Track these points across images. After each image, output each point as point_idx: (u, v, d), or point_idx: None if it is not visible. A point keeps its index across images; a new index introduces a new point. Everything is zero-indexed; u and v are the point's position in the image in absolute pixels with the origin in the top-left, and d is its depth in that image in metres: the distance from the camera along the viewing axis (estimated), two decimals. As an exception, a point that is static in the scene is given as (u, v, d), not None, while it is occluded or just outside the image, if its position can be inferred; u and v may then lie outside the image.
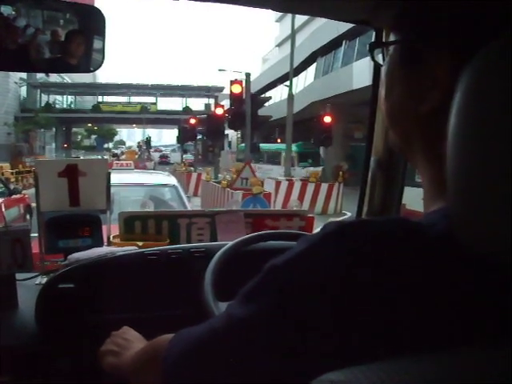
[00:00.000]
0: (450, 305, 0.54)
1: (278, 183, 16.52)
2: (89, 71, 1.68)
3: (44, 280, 1.99)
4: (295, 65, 31.51)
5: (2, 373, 1.59)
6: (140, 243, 2.04)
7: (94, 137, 78.72)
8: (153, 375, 0.83)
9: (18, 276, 1.85)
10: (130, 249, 1.86)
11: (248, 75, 16.24)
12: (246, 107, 15.37)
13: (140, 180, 7.08)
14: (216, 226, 2.19)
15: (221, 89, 59.90)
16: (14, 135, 46.34)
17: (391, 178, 1.88)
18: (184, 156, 46.32)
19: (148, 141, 60.67)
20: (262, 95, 43.82)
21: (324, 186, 16.11)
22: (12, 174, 23.26)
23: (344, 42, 27.41)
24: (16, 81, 49.39)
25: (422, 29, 0.62)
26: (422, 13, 0.63)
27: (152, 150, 73.59)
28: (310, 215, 2.41)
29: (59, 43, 1.62)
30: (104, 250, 1.87)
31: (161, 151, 78.14)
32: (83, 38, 1.61)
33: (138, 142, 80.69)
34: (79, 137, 79.47)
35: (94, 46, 1.64)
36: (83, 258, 1.77)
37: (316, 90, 29.16)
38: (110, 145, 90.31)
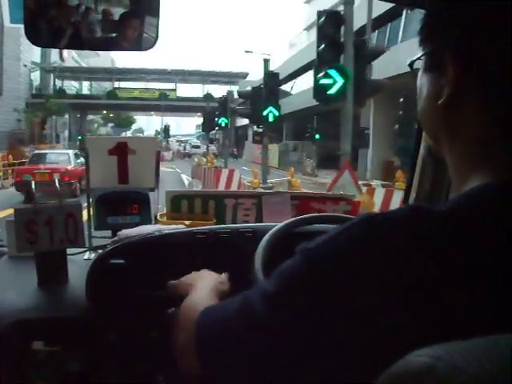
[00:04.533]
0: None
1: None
2: (141, 50, 1.69)
3: (92, 255, 2.03)
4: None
5: (52, 343, 1.64)
6: (187, 222, 2.05)
7: (111, 125, 75.69)
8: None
9: (67, 251, 1.90)
10: (178, 227, 1.88)
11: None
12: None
13: None
14: (262, 207, 2.19)
15: (245, 75, 56.78)
16: (25, 122, 43.64)
17: (442, 165, 1.85)
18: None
19: (166, 129, 57.78)
20: (290, 81, 40.60)
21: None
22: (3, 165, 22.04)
23: (390, 23, 26.07)
24: (26, 64, 46.29)
25: (442, 41, 0.73)
26: (444, 24, 0.73)
27: (174, 139, 70.13)
28: (357, 199, 2.39)
29: (112, 22, 1.63)
30: (152, 227, 1.89)
31: (181, 141, 74.40)
32: (138, 20, 1.63)
33: (156, 131, 75.32)
34: (96, 125, 76.26)
35: (147, 25, 1.65)
36: (132, 234, 1.79)
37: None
38: (129, 133, 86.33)
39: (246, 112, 19.26)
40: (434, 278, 0.60)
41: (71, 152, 18.15)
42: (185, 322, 0.95)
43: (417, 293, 0.60)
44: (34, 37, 1.63)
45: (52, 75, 56.32)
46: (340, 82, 8.96)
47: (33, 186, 2.07)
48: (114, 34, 1.65)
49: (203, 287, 1.16)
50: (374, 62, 10.73)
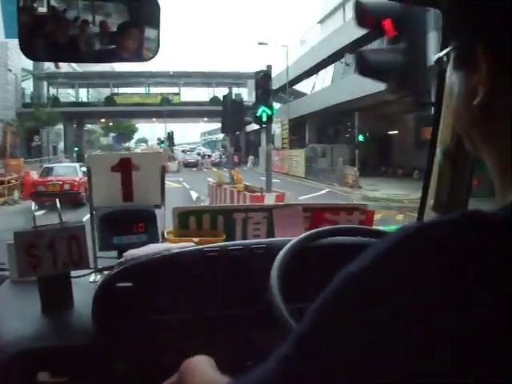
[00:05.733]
0: None
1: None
2: (142, 60, 1.64)
3: (98, 277, 1.96)
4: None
5: (59, 373, 1.56)
6: (196, 239, 1.97)
7: (112, 135, 70.66)
8: None
9: (72, 273, 1.82)
10: (187, 245, 1.80)
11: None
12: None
13: None
14: (273, 221, 2.11)
15: (253, 75, 52.60)
16: (16, 133, 37.93)
17: (459, 169, 1.79)
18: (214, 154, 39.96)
19: (170, 137, 52.55)
20: (304, 80, 37.08)
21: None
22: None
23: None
24: (12, 69, 41.31)
25: (473, 36, 0.67)
26: (474, 21, 0.67)
27: (179, 149, 62.55)
28: (370, 209, 2.30)
29: (110, 34, 1.58)
30: (160, 246, 1.80)
31: (187, 150, 67.37)
32: (137, 30, 1.58)
33: (158, 139, 65.59)
34: (97, 134, 71.81)
35: (147, 35, 1.60)
36: (139, 254, 1.70)
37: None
38: (132, 143, 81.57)
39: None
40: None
41: (77, 165, 20.89)
42: None
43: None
44: (30, 51, 1.58)
45: (45, 83, 52.43)
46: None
47: (33, 208, 1.99)
48: (113, 46, 1.61)
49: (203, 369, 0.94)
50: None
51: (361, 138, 24.17)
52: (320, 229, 1.59)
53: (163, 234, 2.17)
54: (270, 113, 17.39)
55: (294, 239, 1.50)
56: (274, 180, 23.42)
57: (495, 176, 0.71)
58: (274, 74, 17.70)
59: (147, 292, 1.57)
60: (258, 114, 17.30)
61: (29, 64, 45.44)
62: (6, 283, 1.96)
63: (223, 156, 48.54)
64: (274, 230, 2.12)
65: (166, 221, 2.22)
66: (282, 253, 1.44)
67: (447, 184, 1.81)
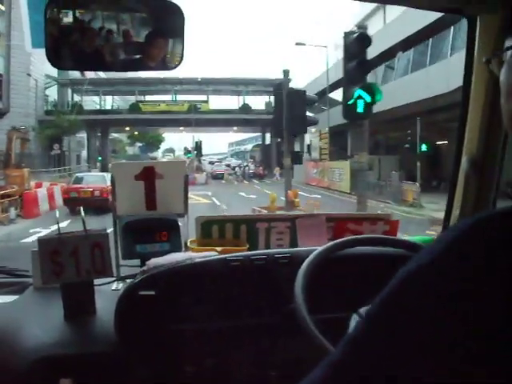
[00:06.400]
0: None
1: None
2: (167, 69, 1.65)
3: (120, 286, 1.96)
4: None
5: (81, 380, 1.56)
6: (219, 248, 1.96)
7: (139, 144, 69.31)
8: None
9: (94, 281, 1.82)
10: (210, 254, 1.79)
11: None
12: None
13: None
14: (297, 231, 2.09)
15: (287, 82, 49.50)
16: (37, 142, 37.23)
17: (486, 179, 1.77)
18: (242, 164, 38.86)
19: (198, 146, 50.31)
20: (338, 89, 36.43)
21: None
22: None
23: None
24: (32, 75, 39.94)
25: None
26: None
27: (206, 159, 58.44)
28: (395, 219, 2.27)
29: (134, 44, 1.59)
30: (183, 255, 1.80)
31: (215, 161, 62.53)
32: (162, 40, 1.59)
33: (185, 148, 60.90)
34: (122, 144, 70.10)
35: (171, 44, 1.61)
36: (162, 263, 1.70)
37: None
38: (159, 153, 79.80)
39: None
40: None
41: (105, 174, 22.35)
42: None
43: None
44: (56, 60, 1.60)
45: (70, 90, 50.56)
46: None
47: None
48: (137, 56, 1.62)
49: None
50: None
51: (424, 147, 21.50)
52: (345, 238, 1.57)
53: (186, 243, 2.17)
54: (368, 100, 9.87)
55: (319, 249, 1.49)
56: (314, 195, 22.51)
57: None
58: (307, 81, 16.59)
59: (170, 301, 1.57)
60: (349, 102, 10.11)
61: (53, 70, 42.87)
62: (30, 290, 1.96)
63: (247, 167, 47.45)
64: (297, 240, 2.11)
65: (189, 230, 2.23)
66: (306, 262, 1.43)
67: (473, 195, 1.79)
